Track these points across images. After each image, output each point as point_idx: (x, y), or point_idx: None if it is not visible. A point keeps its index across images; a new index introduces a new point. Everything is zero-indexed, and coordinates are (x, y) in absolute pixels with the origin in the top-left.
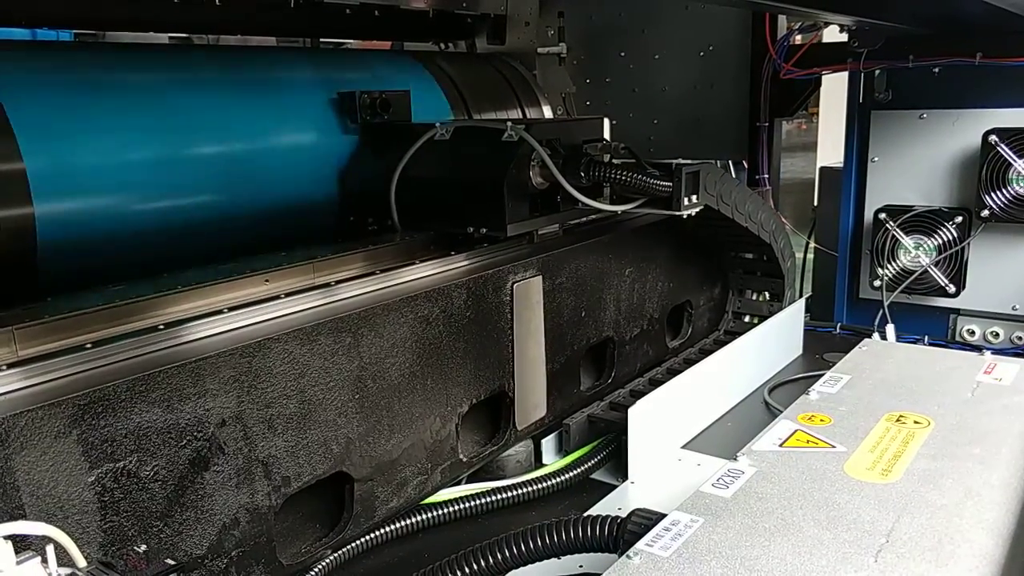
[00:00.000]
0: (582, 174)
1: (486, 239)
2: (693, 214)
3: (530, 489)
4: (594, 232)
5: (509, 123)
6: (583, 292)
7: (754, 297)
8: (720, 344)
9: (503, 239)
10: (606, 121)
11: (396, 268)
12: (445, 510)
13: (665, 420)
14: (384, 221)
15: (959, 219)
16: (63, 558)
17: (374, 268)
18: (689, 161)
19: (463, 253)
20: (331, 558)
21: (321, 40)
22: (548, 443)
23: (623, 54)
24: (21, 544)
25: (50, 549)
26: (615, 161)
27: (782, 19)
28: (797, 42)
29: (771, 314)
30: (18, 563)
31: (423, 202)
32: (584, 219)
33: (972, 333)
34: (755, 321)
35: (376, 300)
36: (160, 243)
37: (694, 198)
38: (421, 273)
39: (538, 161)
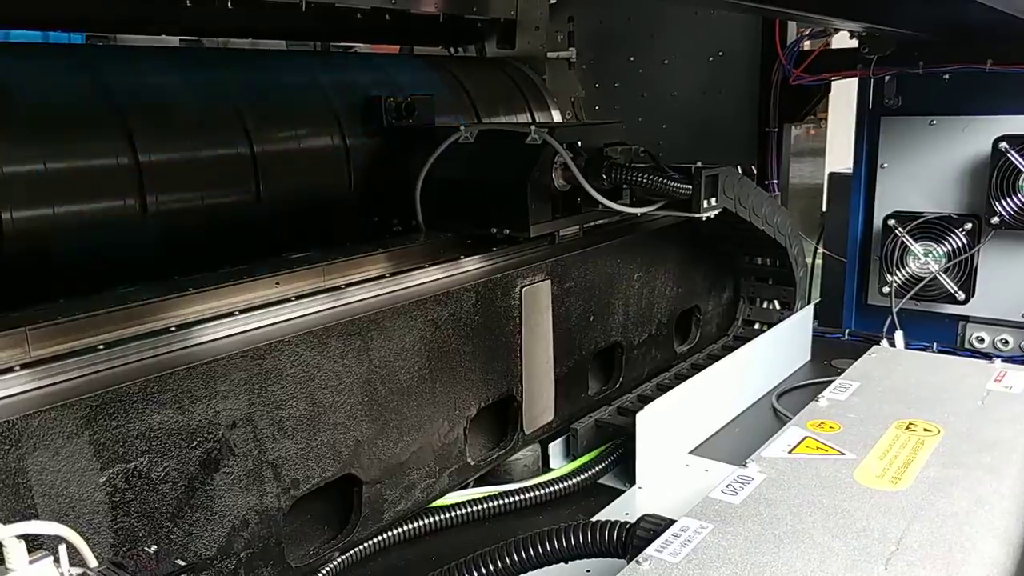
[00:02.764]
0: (604, 176)
1: (506, 240)
2: (712, 216)
3: (537, 493)
4: (603, 237)
5: (533, 126)
6: (592, 296)
7: (764, 305)
8: (729, 350)
9: (523, 240)
10: None
11: (406, 271)
12: (452, 513)
13: (673, 425)
14: (409, 222)
15: (969, 226)
16: (75, 558)
17: (384, 271)
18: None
19: (472, 257)
20: (339, 560)
21: (331, 44)
22: (555, 447)
23: (632, 59)
24: (33, 544)
25: (62, 549)
26: (635, 164)
27: (792, 25)
28: (807, 48)
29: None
30: (31, 562)
31: (447, 203)
32: (594, 223)
33: (981, 340)
34: (764, 328)
35: (386, 303)
36: (179, 245)
37: (713, 201)
38: (430, 277)
39: (561, 164)
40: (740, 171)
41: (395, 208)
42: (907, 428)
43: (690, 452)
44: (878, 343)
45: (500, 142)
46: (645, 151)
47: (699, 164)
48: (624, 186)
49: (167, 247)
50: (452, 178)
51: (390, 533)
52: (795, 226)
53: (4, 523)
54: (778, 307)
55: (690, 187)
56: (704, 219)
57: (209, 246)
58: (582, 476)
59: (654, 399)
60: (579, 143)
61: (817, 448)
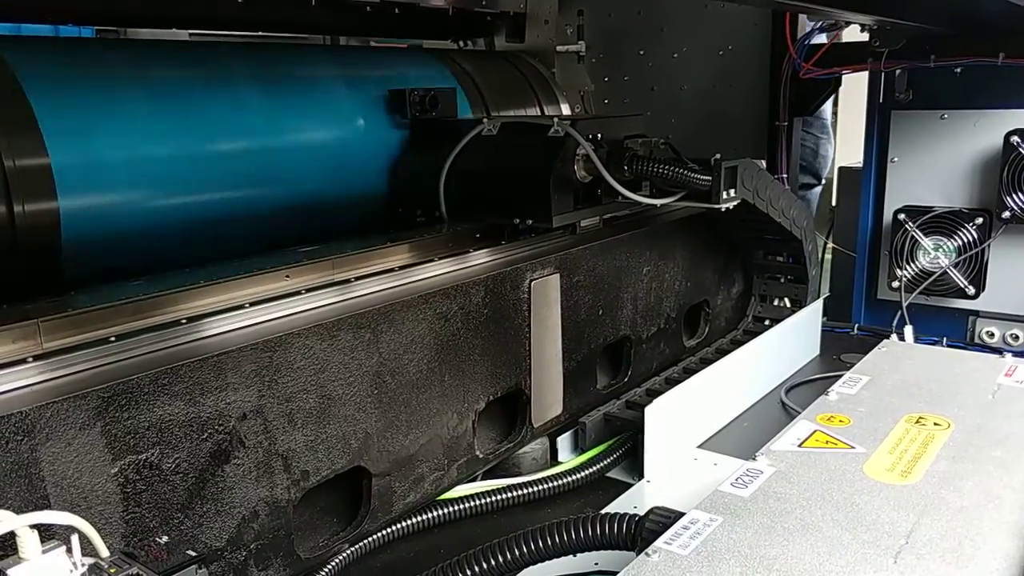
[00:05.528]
0: (625, 168)
1: (529, 231)
2: (731, 207)
3: (545, 487)
4: (612, 231)
5: (555, 119)
6: (600, 290)
7: (775, 303)
8: (737, 344)
9: (538, 232)
10: None
11: (415, 265)
12: (461, 506)
13: (681, 419)
14: (432, 213)
15: (979, 220)
16: (87, 548)
17: (393, 265)
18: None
19: (482, 250)
20: (348, 552)
21: (340, 38)
22: (564, 441)
23: (642, 52)
24: (46, 534)
25: (74, 539)
26: (656, 156)
27: (802, 19)
28: (817, 42)
29: None
30: (43, 552)
31: (471, 195)
32: (607, 216)
33: (991, 335)
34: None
35: (395, 296)
36: (201, 237)
37: (732, 192)
38: (439, 270)
39: (582, 155)
40: None
41: (419, 200)
42: (917, 422)
43: (698, 446)
44: (888, 338)
45: (523, 135)
46: (666, 143)
47: (718, 156)
48: (646, 178)
49: (177, 240)
50: (475, 170)
51: (398, 526)
52: (811, 221)
53: (17, 513)
54: (789, 305)
55: (709, 178)
56: (723, 210)
57: (219, 240)
58: (590, 469)
59: (663, 393)
60: (600, 135)
61: (827, 442)
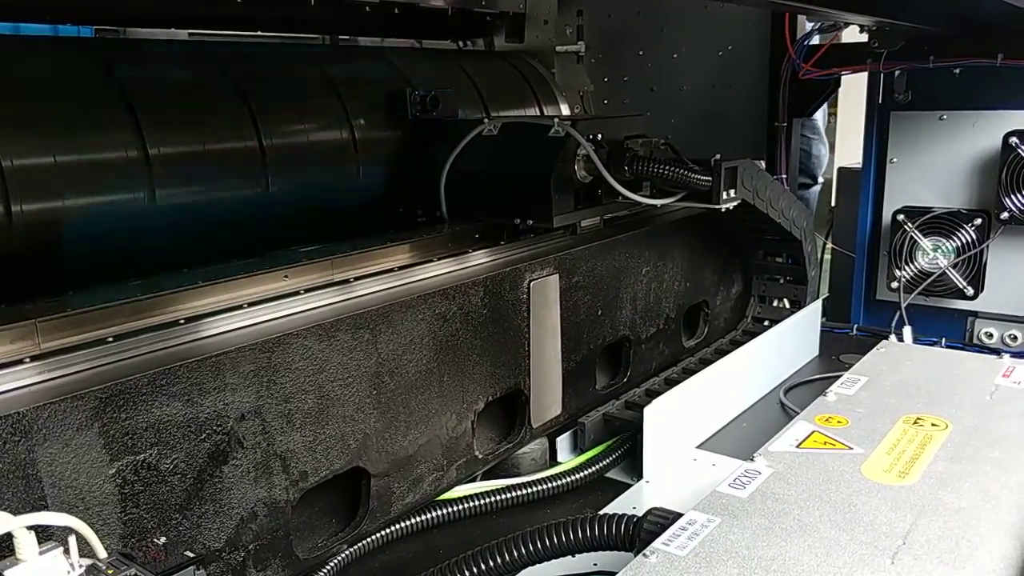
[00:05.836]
0: (626, 168)
1: (531, 230)
2: (731, 207)
3: (544, 487)
4: (611, 231)
5: (556, 119)
6: (599, 291)
7: (775, 303)
8: (736, 344)
9: (537, 232)
10: None
11: (414, 265)
12: (460, 507)
13: (680, 420)
14: (433, 213)
15: (978, 221)
16: (84, 549)
17: (392, 265)
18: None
19: (481, 251)
20: (346, 553)
21: (340, 37)
22: (563, 441)
23: (641, 53)
24: (43, 535)
25: (72, 540)
26: (656, 156)
27: (802, 19)
28: (816, 42)
29: None
30: (41, 553)
31: (471, 195)
32: (607, 216)
33: (990, 336)
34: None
35: (394, 297)
36: (200, 238)
37: (732, 192)
38: (439, 270)
39: (583, 156)
40: None
41: (419, 200)
42: (915, 423)
43: (697, 447)
44: (886, 338)
45: (523, 135)
46: (667, 143)
47: (718, 156)
48: (646, 178)
49: (177, 240)
50: (476, 170)
51: (397, 526)
52: (811, 222)
53: (14, 514)
54: (788, 305)
55: (710, 179)
56: (724, 210)
57: (218, 239)
58: (589, 470)
59: (662, 393)
60: (600, 136)
61: (825, 443)
